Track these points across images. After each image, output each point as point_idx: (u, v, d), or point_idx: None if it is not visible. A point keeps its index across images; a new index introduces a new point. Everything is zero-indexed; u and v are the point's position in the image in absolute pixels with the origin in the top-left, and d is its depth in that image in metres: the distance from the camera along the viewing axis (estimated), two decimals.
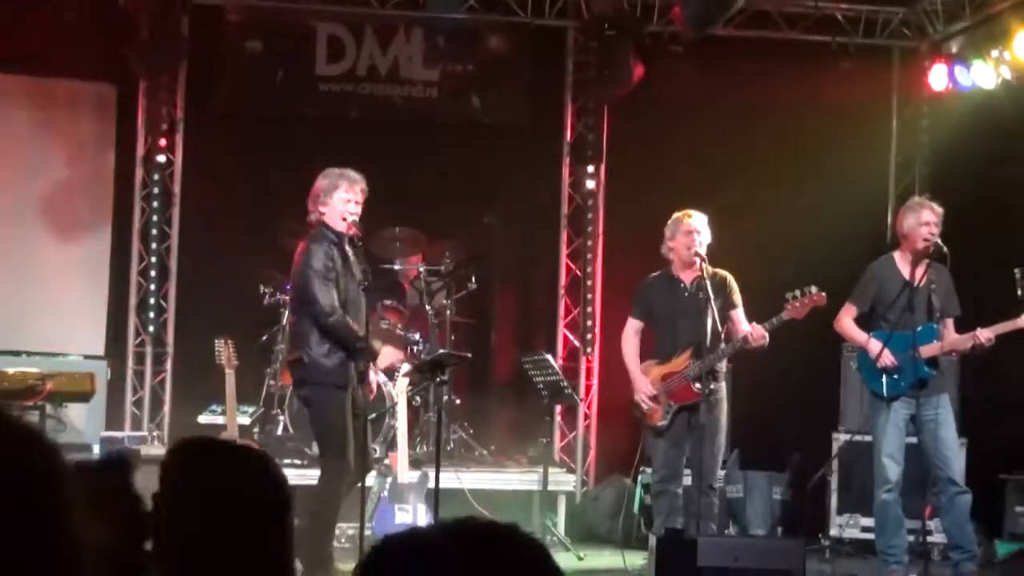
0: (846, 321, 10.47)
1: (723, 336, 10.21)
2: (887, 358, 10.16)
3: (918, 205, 10.51)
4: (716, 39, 12.70)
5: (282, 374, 12.42)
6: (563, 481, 12.93)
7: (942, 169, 13.97)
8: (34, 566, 2.08)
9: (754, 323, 10.20)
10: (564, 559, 10.62)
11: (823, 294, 10.16)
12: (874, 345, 10.24)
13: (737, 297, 10.45)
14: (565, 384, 11.91)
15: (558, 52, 14.26)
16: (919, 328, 10.21)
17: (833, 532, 12.22)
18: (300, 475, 11.42)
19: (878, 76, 14.24)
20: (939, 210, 10.28)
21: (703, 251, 10.31)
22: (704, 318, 10.09)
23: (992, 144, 13.02)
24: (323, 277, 9.39)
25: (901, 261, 10.37)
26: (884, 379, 10.27)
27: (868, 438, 10.88)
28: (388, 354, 9.73)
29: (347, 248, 9.60)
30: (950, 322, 10.39)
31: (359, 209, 9.63)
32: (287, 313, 9.95)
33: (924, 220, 10.22)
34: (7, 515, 2.07)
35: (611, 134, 14.14)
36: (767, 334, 10.11)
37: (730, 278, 10.48)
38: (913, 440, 10.37)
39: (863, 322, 10.52)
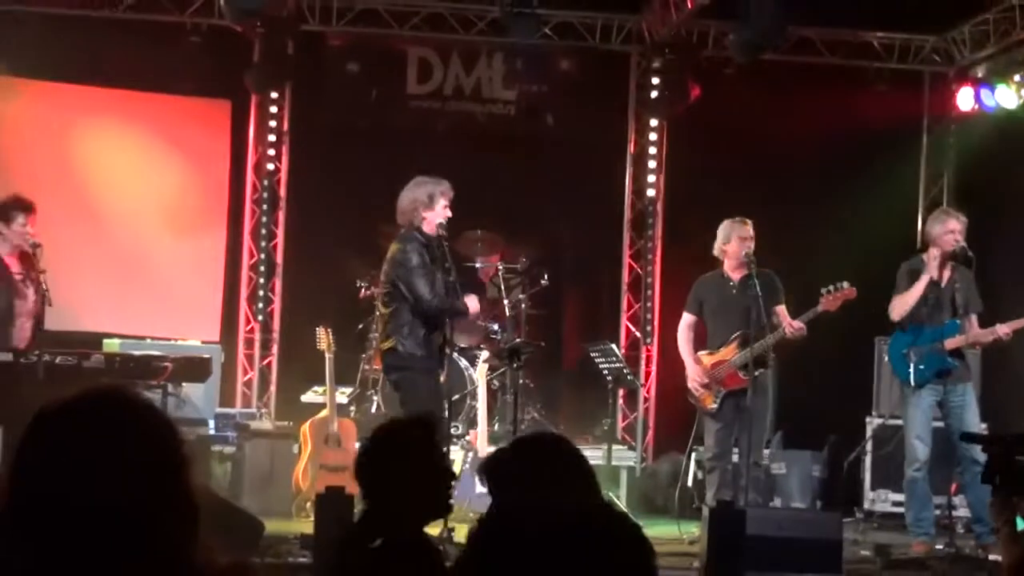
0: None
1: (768, 329, 10.24)
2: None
3: (944, 214, 10.56)
4: (764, 63, 12.69)
5: (375, 359, 12.54)
6: (624, 457, 13.00)
7: (967, 181, 13.95)
8: (157, 517, 2.18)
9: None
10: None
11: (853, 288, 10.18)
12: None
13: (781, 294, 10.47)
14: (627, 371, 11.96)
15: (623, 74, 14.29)
16: (945, 323, 10.28)
17: (866, 506, 12.23)
18: None
19: (910, 98, 14.22)
20: (963, 219, 10.31)
21: (750, 252, 10.35)
22: (750, 313, 10.13)
23: (1013, 159, 12.99)
24: (422, 272, 9.53)
25: (930, 262, 10.40)
26: (912, 368, 10.32)
27: (899, 421, 10.91)
28: (472, 301, 9.80)
29: (434, 248, 9.73)
30: (974, 318, 10.42)
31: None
32: (380, 305, 10.02)
33: (950, 228, 10.25)
34: (136, 474, 2.17)
35: (669, 147, 14.19)
36: (804, 326, 10.16)
37: (775, 277, 10.51)
38: (940, 424, 10.42)
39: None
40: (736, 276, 10.43)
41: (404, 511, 4.47)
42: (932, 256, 10.35)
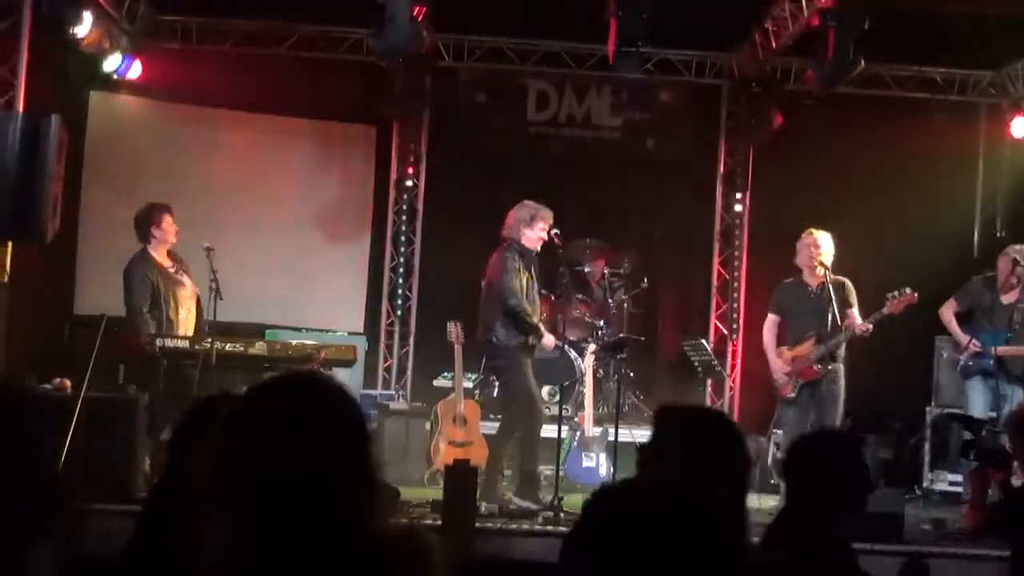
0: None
1: (841, 329, 10.10)
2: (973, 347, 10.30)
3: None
4: (840, 95, 12.49)
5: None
6: None
7: (1019, 200, 13.66)
8: (345, 488, 2.12)
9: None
10: None
11: (915, 294, 10.10)
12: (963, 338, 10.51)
13: (854, 299, 10.29)
14: (715, 363, 11.84)
15: (715, 104, 14.16)
16: (998, 332, 10.40)
17: (925, 484, 12.00)
18: None
19: (968, 127, 13.95)
20: None
21: (826, 260, 10.20)
22: (825, 315, 10.02)
23: None
24: (513, 277, 9.78)
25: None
26: (960, 362, 10.48)
27: (956, 410, 10.82)
28: (549, 339, 9.92)
29: (529, 261, 10.01)
30: None
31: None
32: (480, 304, 10.18)
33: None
34: (331, 449, 2.11)
35: (755, 169, 14.04)
36: (870, 326, 10.04)
37: (848, 283, 10.32)
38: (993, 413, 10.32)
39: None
40: (813, 283, 10.30)
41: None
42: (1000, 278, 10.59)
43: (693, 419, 3.48)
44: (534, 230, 9.96)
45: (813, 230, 10.37)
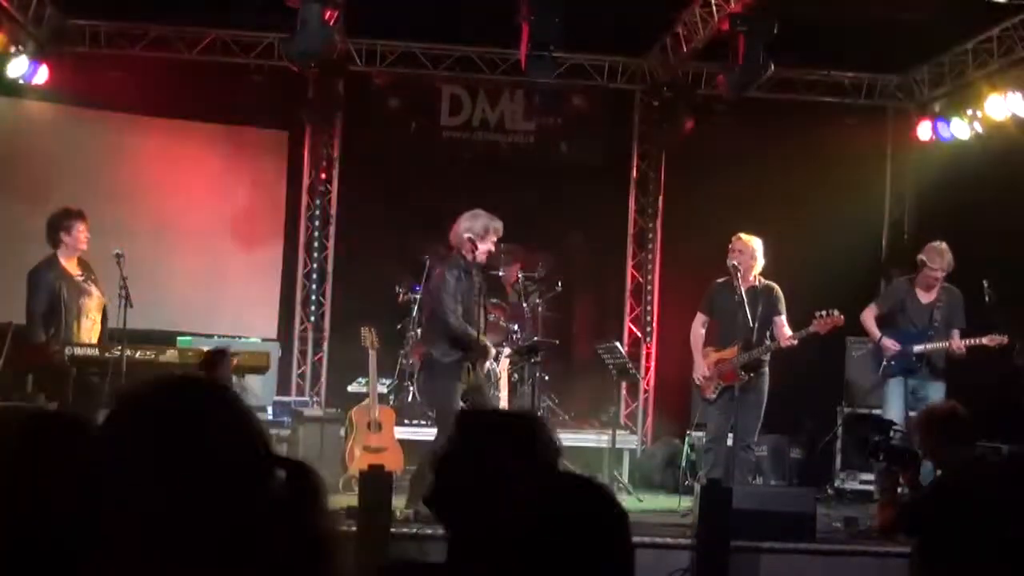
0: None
1: (768, 335, 10.16)
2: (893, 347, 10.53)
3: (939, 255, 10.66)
4: (751, 100, 12.62)
5: (412, 353, 12.50)
6: (627, 440, 12.89)
7: (926, 201, 13.89)
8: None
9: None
10: (627, 501, 10.62)
11: (842, 316, 10.13)
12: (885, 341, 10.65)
13: (782, 306, 10.29)
14: (629, 366, 11.91)
15: (627, 109, 14.26)
16: (920, 331, 10.54)
17: (837, 484, 12.15)
18: (423, 432, 11.58)
19: (876, 130, 14.18)
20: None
21: (755, 265, 10.26)
22: (752, 320, 10.04)
23: (967, 182, 12.90)
24: (453, 298, 9.37)
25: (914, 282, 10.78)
26: (882, 362, 10.53)
27: (866, 411, 10.94)
28: (492, 351, 9.80)
29: (473, 276, 9.57)
30: (955, 332, 10.57)
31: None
32: (419, 315, 9.99)
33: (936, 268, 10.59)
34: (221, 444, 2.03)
35: (668, 173, 14.15)
36: (795, 341, 10.09)
37: (777, 289, 10.33)
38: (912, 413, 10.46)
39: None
40: (744, 286, 10.23)
41: None
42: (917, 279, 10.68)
43: (482, 425, 3.44)
44: (485, 243, 9.49)
45: (742, 235, 10.38)
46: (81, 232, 9.87)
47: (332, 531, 2.10)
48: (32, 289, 9.77)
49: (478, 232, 9.49)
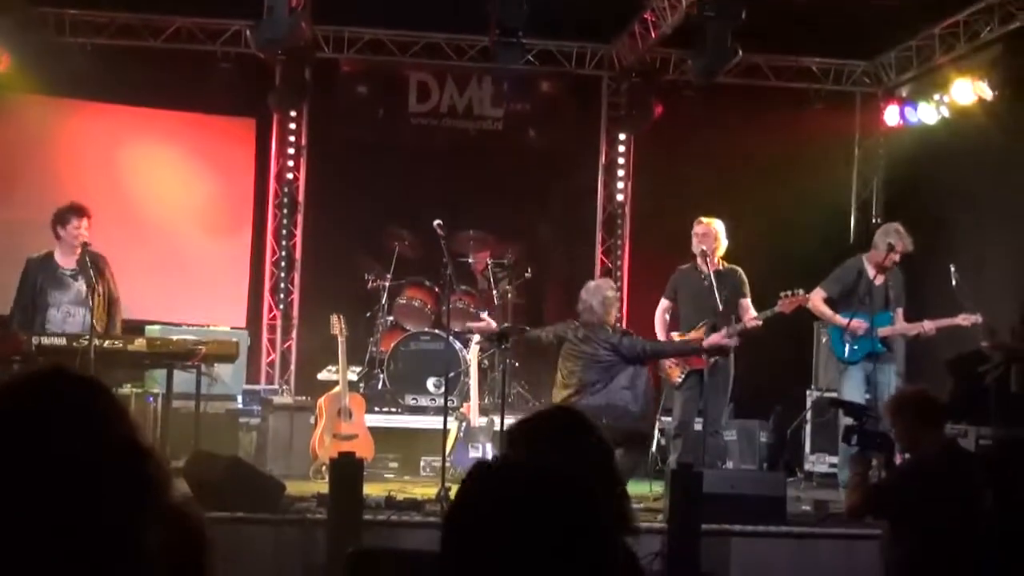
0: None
1: (733, 319, 10.16)
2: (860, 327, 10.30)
3: (897, 237, 10.51)
4: (719, 85, 12.66)
5: (381, 341, 12.48)
6: None
7: (893, 186, 13.99)
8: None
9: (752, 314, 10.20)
10: None
11: (808, 296, 10.17)
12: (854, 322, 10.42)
13: (746, 289, 10.31)
14: None
15: (595, 95, 14.29)
16: (879, 314, 10.32)
17: (807, 467, 12.20)
18: (394, 420, 11.58)
19: (844, 114, 14.22)
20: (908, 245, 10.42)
21: (718, 248, 10.27)
22: (716, 303, 10.03)
23: (933, 165, 12.98)
24: None
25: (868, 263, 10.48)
26: (847, 348, 10.39)
27: (835, 394, 10.90)
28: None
29: None
30: (900, 311, 10.51)
31: None
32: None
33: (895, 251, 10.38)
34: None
35: (636, 158, 14.17)
36: (760, 322, 10.09)
37: (741, 273, 10.34)
38: (868, 397, 10.40)
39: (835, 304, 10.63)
40: (707, 270, 10.21)
41: None
42: (873, 261, 10.41)
43: (543, 425, 3.47)
44: None
45: (704, 218, 10.39)
46: (76, 228, 9.84)
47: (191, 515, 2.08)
48: (19, 282, 9.94)
49: None
